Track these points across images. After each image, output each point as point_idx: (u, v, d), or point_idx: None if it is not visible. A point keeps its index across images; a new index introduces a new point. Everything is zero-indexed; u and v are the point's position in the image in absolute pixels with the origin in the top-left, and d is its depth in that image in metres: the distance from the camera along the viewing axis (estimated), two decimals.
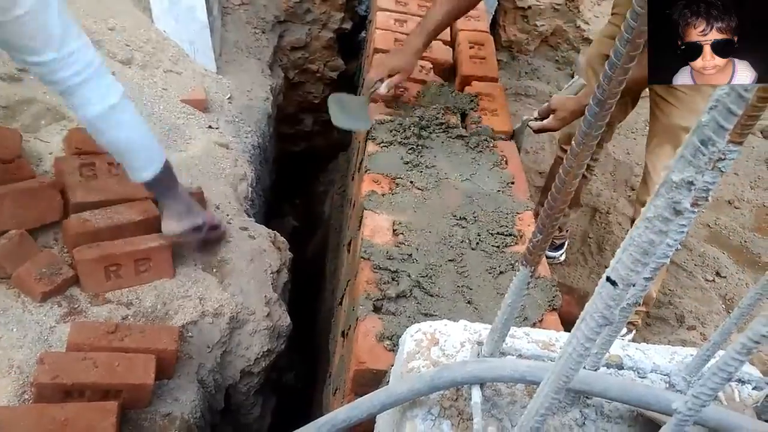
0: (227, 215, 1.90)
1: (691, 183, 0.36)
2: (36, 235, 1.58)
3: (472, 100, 1.89)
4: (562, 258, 2.81)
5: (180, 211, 1.58)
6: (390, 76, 1.74)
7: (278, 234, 2.08)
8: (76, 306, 1.53)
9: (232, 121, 2.35)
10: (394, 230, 1.41)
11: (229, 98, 2.42)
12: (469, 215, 1.49)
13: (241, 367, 1.74)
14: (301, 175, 3.84)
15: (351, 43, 3.51)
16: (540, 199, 2.73)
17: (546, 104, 1.86)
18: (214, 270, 1.75)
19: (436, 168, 1.63)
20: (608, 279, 0.44)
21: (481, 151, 1.72)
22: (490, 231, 1.46)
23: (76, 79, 1.29)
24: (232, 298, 1.71)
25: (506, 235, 1.46)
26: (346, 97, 1.85)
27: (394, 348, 1.13)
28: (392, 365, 0.99)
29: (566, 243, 2.80)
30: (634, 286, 0.44)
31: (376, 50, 2.03)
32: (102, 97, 1.33)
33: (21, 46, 1.23)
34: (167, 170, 1.50)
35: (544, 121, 1.85)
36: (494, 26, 3.56)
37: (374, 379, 1.13)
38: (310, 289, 3.02)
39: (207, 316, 1.65)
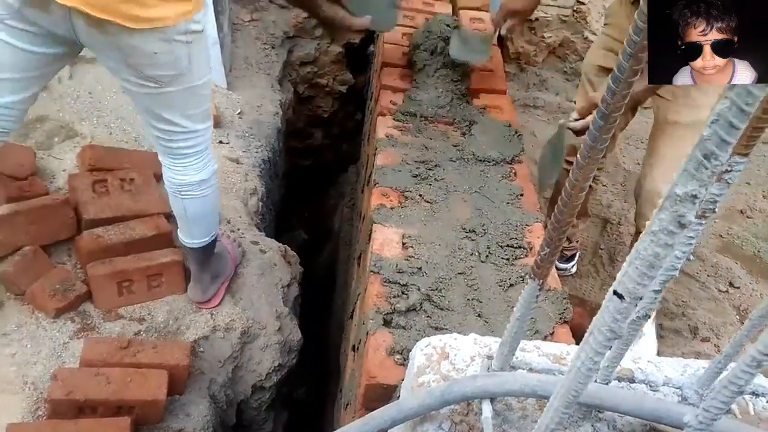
0: (238, 229, 1.91)
1: (695, 197, 0.36)
2: (50, 251, 1.60)
3: (480, 112, 1.90)
4: (573, 270, 2.79)
5: (207, 282, 1.64)
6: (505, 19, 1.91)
7: (288, 248, 2.09)
8: (89, 322, 1.54)
9: (242, 136, 2.37)
10: (403, 243, 1.42)
11: (239, 113, 2.45)
12: (479, 228, 1.49)
13: (253, 382, 1.75)
14: (311, 189, 3.86)
15: (359, 57, 3.54)
16: (548, 212, 2.70)
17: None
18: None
19: (444, 181, 1.63)
20: (615, 292, 0.44)
21: (489, 163, 1.72)
22: (500, 243, 1.46)
23: (191, 150, 1.36)
24: (243, 312, 1.71)
25: (516, 248, 1.45)
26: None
27: (404, 362, 1.13)
28: (403, 380, 0.98)
29: (577, 255, 2.78)
30: (641, 299, 0.44)
31: (384, 64, 2.04)
32: (198, 170, 1.41)
33: (184, 113, 1.29)
34: (213, 241, 1.55)
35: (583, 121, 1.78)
36: (501, 38, 3.57)
37: (385, 394, 1.13)
38: (321, 303, 3.02)
39: (218, 331, 1.66)
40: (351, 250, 2.44)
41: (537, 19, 3.47)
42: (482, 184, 1.64)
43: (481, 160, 1.72)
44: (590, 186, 2.50)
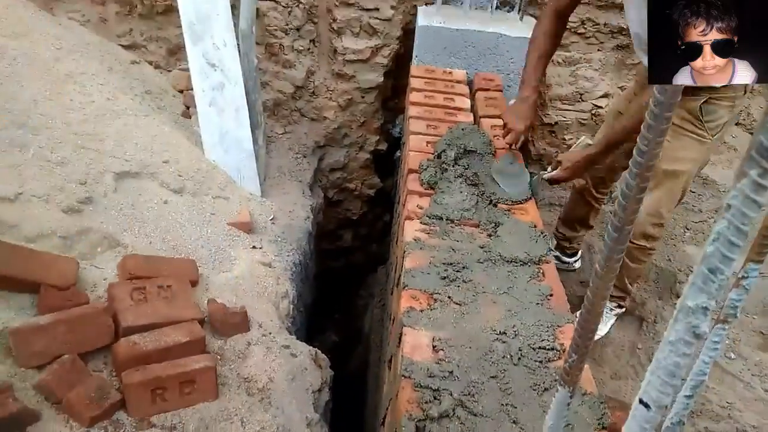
0: (270, 333, 1.93)
1: (706, 308, 0.39)
2: (86, 358, 1.63)
3: (505, 214, 1.94)
4: (577, 265, 3.07)
5: None
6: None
7: (319, 351, 2.09)
8: (122, 431, 1.54)
9: (274, 240, 2.45)
10: (434, 347, 1.42)
11: (272, 219, 2.54)
12: (509, 330, 1.49)
13: None
14: (341, 290, 3.89)
15: (386, 162, 3.68)
16: (556, 229, 3.03)
17: (556, 160, 2.25)
18: (256, 390, 1.76)
19: (473, 282, 1.65)
20: (641, 401, 0.46)
21: (517, 264, 1.74)
22: (532, 345, 1.45)
23: None
24: (273, 419, 1.70)
25: (548, 350, 1.44)
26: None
27: None
28: None
29: (580, 251, 3.09)
30: (666, 408, 0.45)
31: (410, 171, 2.13)
32: None
33: None
34: None
35: (554, 172, 2.24)
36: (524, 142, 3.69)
37: None
38: (352, 408, 2.95)
39: None
40: (382, 353, 2.43)
41: (557, 123, 3.59)
42: (511, 285, 1.65)
43: (508, 261, 1.74)
44: (595, 207, 2.69)
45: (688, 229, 3.40)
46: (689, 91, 2.16)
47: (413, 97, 2.62)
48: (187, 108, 2.77)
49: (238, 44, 2.29)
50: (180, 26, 2.45)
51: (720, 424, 2.35)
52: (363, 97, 3.22)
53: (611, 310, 2.79)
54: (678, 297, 2.79)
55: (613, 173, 2.69)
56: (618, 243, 0.54)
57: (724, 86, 2.05)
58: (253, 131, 2.49)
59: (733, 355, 2.63)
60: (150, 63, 2.96)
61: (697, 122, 2.17)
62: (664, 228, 2.47)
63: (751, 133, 3.90)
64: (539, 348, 1.44)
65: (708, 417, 2.38)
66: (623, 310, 2.86)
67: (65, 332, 1.59)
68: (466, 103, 2.62)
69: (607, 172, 2.67)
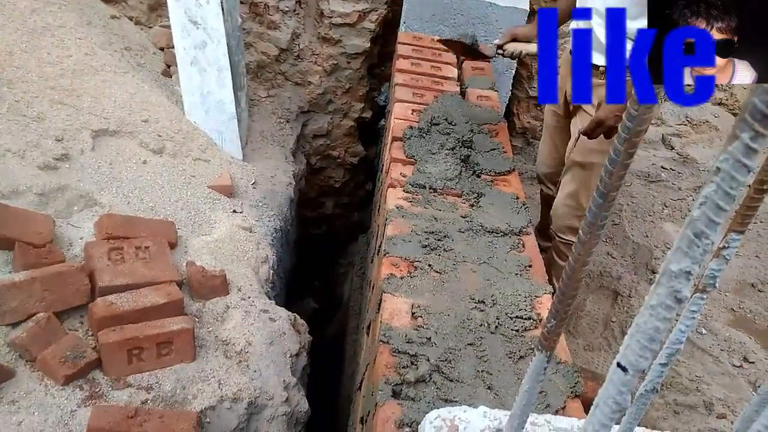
0: (249, 297, 1.93)
1: (689, 273, 0.39)
2: (63, 317, 1.62)
3: (488, 185, 1.94)
4: None
5: None
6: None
7: (298, 317, 2.09)
8: (98, 390, 1.54)
9: (255, 205, 2.43)
10: (413, 313, 1.43)
11: (253, 184, 2.52)
12: (488, 299, 1.50)
13: None
14: (321, 258, 3.89)
15: (371, 130, 3.65)
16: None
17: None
18: (234, 353, 1.76)
19: (453, 252, 1.65)
20: (618, 365, 0.46)
21: (497, 234, 1.75)
22: (509, 314, 1.46)
23: None
24: (251, 382, 1.70)
25: (525, 319, 1.46)
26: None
27: None
28: None
29: None
30: (644, 372, 0.46)
31: (394, 138, 2.11)
32: None
33: None
34: None
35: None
36: (508, 114, 3.68)
37: None
38: (329, 373, 2.98)
39: (225, 401, 1.64)
40: (360, 320, 2.44)
41: None
42: (491, 255, 1.66)
43: (489, 232, 1.75)
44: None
45: (666, 206, 3.45)
46: (597, 75, 2.08)
47: (400, 64, 2.59)
48: (168, 66, 2.71)
49: (221, 1, 2.23)
50: None
51: (688, 397, 2.42)
52: (349, 62, 3.17)
53: None
54: (654, 273, 2.85)
55: None
56: (602, 209, 0.54)
57: None
58: (235, 93, 2.44)
59: (704, 331, 2.70)
60: (130, 19, 2.88)
61: None
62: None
63: (735, 114, 3.92)
64: (516, 317, 1.46)
65: (677, 389, 2.45)
66: None
67: (41, 290, 1.57)
68: (453, 72, 2.60)
69: (565, 172, 2.57)
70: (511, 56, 2.25)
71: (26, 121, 1.96)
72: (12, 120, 1.93)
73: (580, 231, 0.57)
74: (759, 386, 2.35)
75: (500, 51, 2.26)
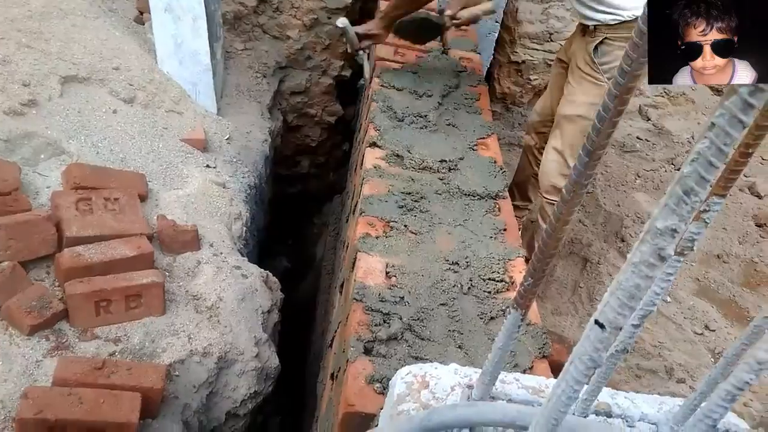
0: (221, 253, 1.91)
1: (675, 230, 0.38)
2: (29, 267, 1.58)
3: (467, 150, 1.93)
4: None
5: None
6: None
7: (270, 274, 2.08)
8: (64, 341, 1.51)
9: (229, 161, 2.38)
10: (387, 273, 1.42)
11: (227, 139, 2.46)
12: (462, 260, 1.50)
13: (227, 408, 1.72)
14: (296, 217, 3.86)
15: (349, 89, 3.59)
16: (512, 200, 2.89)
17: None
18: (205, 308, 1.74)
19: (429, 213, 1.65)
20: (596, 322, 0.46)
21: (474, 197, 1.75)
22: (482, 277, 1.47)
23: None
24: (221, 337, 1.70)
25: (498, 281, 1.47)
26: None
27: (384, 391, 1.13)
28: (382, 408, 0.98)
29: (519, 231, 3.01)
30: (621, 330, 0.45)
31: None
32: None
33: None
34: None
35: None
36: (489, 79, 3.66)
37: (363, 423, 1.12)
38: (300, 332, 2.99)
39: (195, 355, 1.64)
40: (333, 279, 2.44)
41: (524, 62, 3.56)
42: (466, 218, 1.66)
43: (466, 195, 1.75)
44: (535, 169, 2.62)
45: (639, 176, 3.49)
46: (585, 31, 2.13)
47: None
48: (141, 13, 2.60)
49: None
50: None
51: (650, 361, 2.50)
52: (329, 17, 3.09)
53: None
54: (623, 241, 2.89)
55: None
56: (588, 168, 0.53)
57: (619, 24, 2.01)
58: (210, 44, 2.36)
59: (669, 299, 2.77)
60: None
61: (592, 64, 2.12)
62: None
63: (712, 88, 3.93)
64: (489, 279, 1.47)
65: (640, 354, 2.52)
66: None
67: (5, 238, 1.53)
68: None
69: (553, 127, 2.54)
70: (467, 23, 2.24)
71: None
72: None
73: (563, 189, 0.56)
74: (718, 353, 2.43)
75: (455, 20, 2.22)
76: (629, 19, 1.97)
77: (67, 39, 2.16)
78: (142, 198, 1.88)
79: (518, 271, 1.52)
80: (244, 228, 2.20)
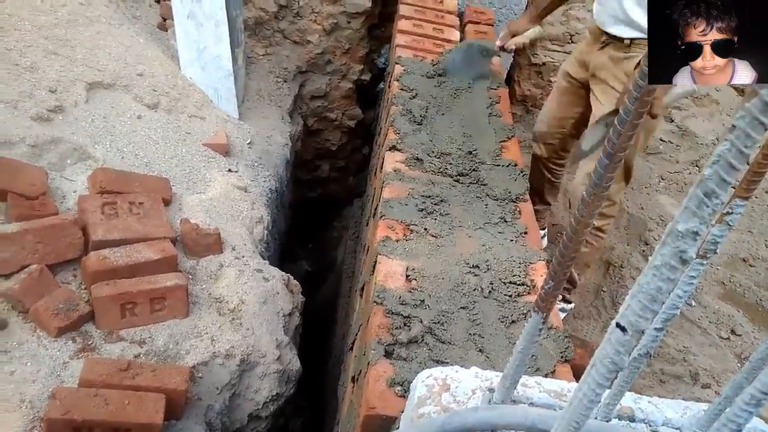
0: (243, 256, 1.93)
1: (696, 233, 0.38)
2: (55, 270, 1.61)
3: (488, 153, 1.93)
4: (544, 242, 2.85)
5: None
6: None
7: (291, 277, 2.10)
8: (90, 342, 1.54)
9: (251, 165, 2.41)
10: (407, 276, 1.43)
11: (249, 143, 2.49)
12: (482, 263, 1.50)
13: (250, 410, 1.74)
14: (316, 221, 3.88)
15: (369, 93, 3.60)
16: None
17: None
18: (228, 310, 1.76)
19: (450, 216, 1.65)
20: (618, 325, 0.46)
21: (494, 200, 1.74)
22: (503, 280, 1.47)
23: None
24: (243, 339, 1.71)
25: (519, 285, 1.46)
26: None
27: (404, 394, 1.13)
28: (402, 411, 0.98)
29: (545, 230, 2.97)
30: (643, 333, 0.45)
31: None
32: None
33: None
34: None
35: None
36: (509, 81, 3.64)
37: (384, 426, 1.12)
38: (320, 335, 3.01)
39: (218, 357, 1.65)
40: (353, 282, 2.45)
41: (544, 64, 3.54)
42: (487, 221, 1.66)
43: (486, 197, 1.74)
44: (547, 177, 2.71)
45: (663, 179, 3.44)
46: (609, 44, 2.15)
47: (401, 24, 2.54)
48: (164, 20, 2.64)
49: None
50: None
51: (675, 366, 2.46)
52: (349, 22, 3.11)
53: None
54: (647, 245, 2.86)
55: (565, 142, 2.62)
56: (608, 171, 0.53)
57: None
58: (232, 50, 2.39)
59: (693, 303, 2.73)
60: None
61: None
62: (614, 206, 2.39)
63: (736, 89, 3.87)
64: (510, 283, 1.46)
65: (664, 359, 2.48)
66: (572, 306, 2.67)
67: (33, 242, 1.56)
68: (455, 35, 2.56)
69: (560, 140, 2.60)
70: (515, 52, 2.38)
71: (19, 71, 1.92)
72: (4, 69, 1.89)
73: (583, 192, 0.56)
74: (744, 358, 2.38)
75: (505, 51, 2.42)
76: None
77: (92, 46, 2.20)
78: (166, 202, 1.91)
79: (539, 274, 1.51)
80: (266, 231, 2.22)
